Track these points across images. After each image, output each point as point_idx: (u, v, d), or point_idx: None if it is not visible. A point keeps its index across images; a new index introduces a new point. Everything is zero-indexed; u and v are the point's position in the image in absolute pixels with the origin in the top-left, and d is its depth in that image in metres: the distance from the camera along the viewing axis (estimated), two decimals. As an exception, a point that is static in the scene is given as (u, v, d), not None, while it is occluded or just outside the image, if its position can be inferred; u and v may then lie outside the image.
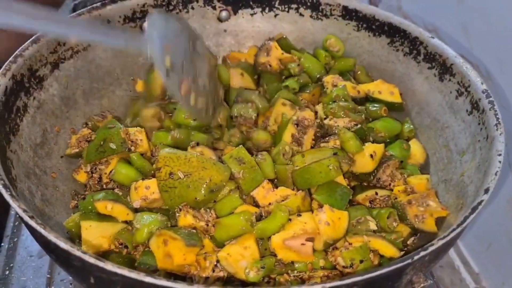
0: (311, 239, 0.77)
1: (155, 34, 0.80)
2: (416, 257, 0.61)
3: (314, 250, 0.78)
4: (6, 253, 1.01)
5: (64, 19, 0.77)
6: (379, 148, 0.91)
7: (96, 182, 0.90)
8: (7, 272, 0.97)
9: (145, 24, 0.85)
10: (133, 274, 0.57)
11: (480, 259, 1.12)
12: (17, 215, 1.08)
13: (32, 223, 0.62)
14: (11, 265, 0.98)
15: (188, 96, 0.81)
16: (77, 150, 0.92)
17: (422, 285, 0.65)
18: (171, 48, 0.81)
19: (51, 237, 0.60)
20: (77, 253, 0.59)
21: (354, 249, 0.76)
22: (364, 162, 0.90)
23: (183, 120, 0.94)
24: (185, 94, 0.80)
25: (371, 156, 0.89)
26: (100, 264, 0.58)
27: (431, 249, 0.62)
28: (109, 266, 0.58)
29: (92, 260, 0.58)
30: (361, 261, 0.75)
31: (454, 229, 0.65)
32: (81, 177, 0.92)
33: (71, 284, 0.95)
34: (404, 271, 0.62)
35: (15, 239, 1.03)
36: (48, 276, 0.96)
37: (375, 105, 1.02)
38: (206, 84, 0.88)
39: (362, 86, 1.04)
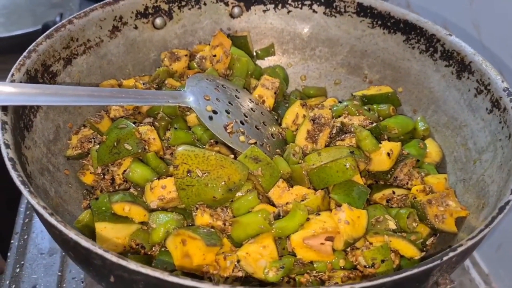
0: (330, 238, 0.76)
1: (194, 89, 0.93)
2: (445, 258, 0.60)
3: (333, 250, 0.77)
4: (17, 250, 0.99)
5: (113, 91, 0.86)
6: (396, 146, 0.90)
7: (109, 184, 0.88)
8: (18, 270, 0.95)
9: (186, 82, 0.95)
10: (157, 273, 0.56)
11: (490, 260, 1.11)
12: (27, 212, 1.07)
13: (52, 220, 0.60)
14: (22, 262, 0.97)
15: (236, 135, 0.89)
16: (79, 151, 0.90)
17: (448, 286, 0.63)
18: (211, 98, 0.92)
19: (72, 234, 0.59)
20: (99, 251, 0.57)
21: (376, 249, 0.75)
22: (381, 161, 0.89)
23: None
24: (232, 134, 0.89)
25: (388, 154, 0.88)
26: (123, 262, 0.57)
27: (460, 249, 0.61)
28: (132, 265, 0.56)
29: (114, 258, 0.57)
30: (383, 261, 0.74)
31: (482, 230, 0.64)
32: (87, 179, 0.90)
33: (82, 282, 0.94)
34: (432, 272, 0.61)
35: (26, 236, 1.02)
36: (59, 274, 0.95)
37: (382, 105, 1.01)
38: (259, 125, 0.95)
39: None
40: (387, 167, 0.89)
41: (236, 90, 0.99)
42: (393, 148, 0.89)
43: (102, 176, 0.88)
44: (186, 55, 1.07)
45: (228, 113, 0.92)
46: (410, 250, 0.78)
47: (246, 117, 0.94)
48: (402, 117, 0.99)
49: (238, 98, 0.97)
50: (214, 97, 0.93)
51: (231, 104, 0.94)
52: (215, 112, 0.91)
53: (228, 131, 0.89)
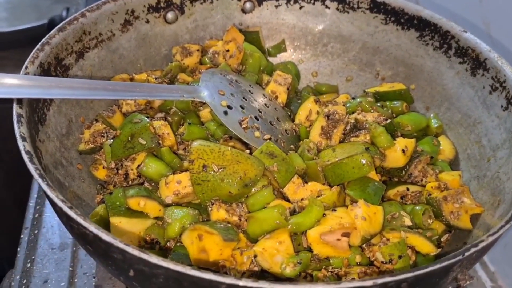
0: (347, 234, 0.76)
1: (209, 83, 0.92)
2: (467, 254, 0.60)
3: (350, 246, 0.76)
4: (27, 245, 0.99)
5: (127, 85, 0.86)
6: (411, 143, 0.89)
7: (123, 179, 0.88)
8: (28, 265, 0.95)
9: (200, 76, 0.95)
10: (179, 267, 0.55)
11: (496, 258, 1.11)
12: (37, 207, 1.07)
13: (72, 214, 0.60)
14: (33, 257, 0.96)
15: (251, 131, 0.88)
16: (92, 145, 0.90)
17: (468, 282, 0.63)
18: (226, 93, 0.92)
19: (92, 228, 0.58)
20: (120, 245, 0.57)
21: (393, 245, 0.74)
22: (395, 157, 0.88)
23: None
24: (247, 129, 0.88)
25: (403, 151, 0.88)
26: (144, 256, 0.56)
27: (481, 245, 0.61)
28: (153, 258, 0.56)
29: (135, 252, 0.57)
30: (400, 257, 0.74)
31: (503, 226, 0.64)
32: (100, 173, 0.90)
33: (94, 277, 0.93)
34: (452, 267, 0.61)
35: (36, 231, 1.01)
36: (71, 269, 0.94)
37: (395, 102, 1.01)
38: (273, 120, 0.95)
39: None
40: (402, 164, 0.88)
41: (250, 85, 0.99)
42: (407, 144, 0.89)
43: (115, 171, 0.88)
44: (198, 50, 1.06)
45: (243, 108, 0.92)
46: (426, 246, 0.78)
47: (260, 112, 0.94)
48: (415, 114, 0.99)
49: (252, 93, 0.97)
50: (229, 92, 0.92)
51: (245, 100, 0.94)
52: (229, 107, 0.90)
53: (243, 126, 0.88)
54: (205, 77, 0.94)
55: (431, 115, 1.01)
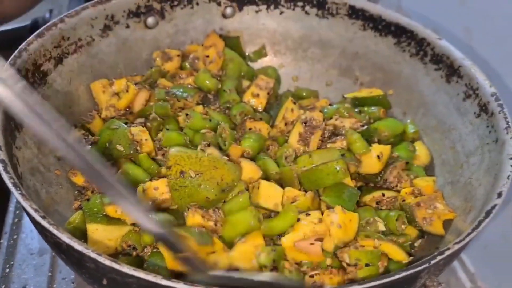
0: (320, 239, 0.77)
1: None
2: (433, 262, 0.61)
3: (323, 250, 0.77)
4: (6, 250, 0.99)
5: None
6: (386, 149, 0.91)
7: None
8: (7, 270, 0.95)
9: None
10: (150, 277, 0.56)
11: (476, 260, 1.13)
12: (17, 212, 1.07)
13: (44, 223, 0.60)
14: (12, 263, 0.96)
15: None
16: None
17: (436, 288, 0.65)
18: None
19: (65, 238, 0.59)
20: (92, 254, 0.58)
21: (364, 252, 0.75)
22: (371, 163, 0.90)
23: (198, 127, 0.93)
24: None
25: (378, 157, 0.89)
26: (116, 266, 0.57)
27: (447, 253, 0.62)
28: (125, 268, 0.57)
29: (107, 262, 0.57)
30: (367, 265, 0.75)
31: (469, 233, 0.66)
32: (78, 179, 0.89)
33: (73, 282, 0.94)
34: (419, 274, 0.62)
35: (15, 236, 1.01)
36: (50, 274, 0.95)
37: (373, 108, 1.02)
38: None
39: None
40: (377, 170, 0.90)
41: None
42: (383, 151, 0.90)
43: (93, 177, 0.88)
44: (178, 55, 1.07)
45: None
46: (398, 254, 0.79)
47: None
48: (392, 120, 1.01)
49: None
50: None
51: None
52: None
53: None
54: None
55: (408, 120, 1.02)
